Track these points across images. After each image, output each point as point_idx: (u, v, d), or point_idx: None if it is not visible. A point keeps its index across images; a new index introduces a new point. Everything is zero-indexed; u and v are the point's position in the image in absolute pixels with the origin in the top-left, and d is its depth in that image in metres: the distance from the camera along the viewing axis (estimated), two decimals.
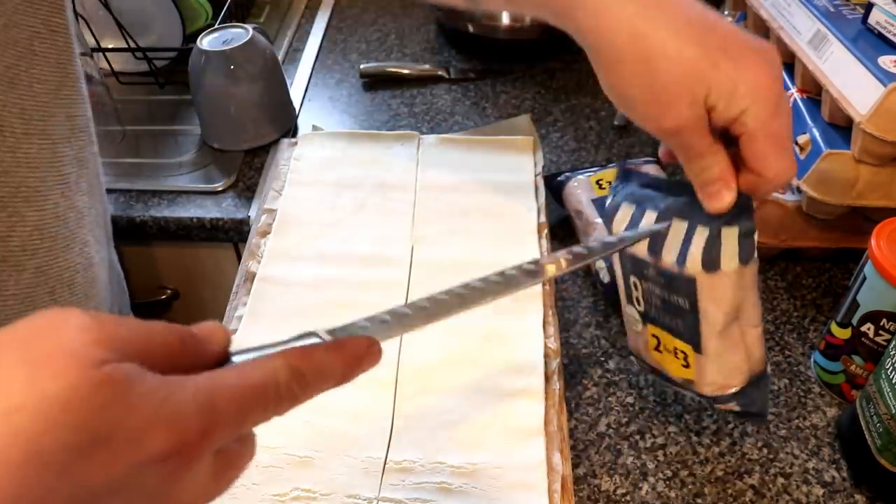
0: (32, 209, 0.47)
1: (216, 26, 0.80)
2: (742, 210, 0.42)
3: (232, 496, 0.47)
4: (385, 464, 0.49)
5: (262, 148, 0.81)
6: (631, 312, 0.50)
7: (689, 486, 0.51)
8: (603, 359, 0.60)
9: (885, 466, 0.48)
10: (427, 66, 0.93)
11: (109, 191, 0.77)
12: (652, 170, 0.69)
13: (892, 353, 0.46)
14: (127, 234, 0.75)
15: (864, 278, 0.50)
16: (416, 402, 0.53)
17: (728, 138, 0.40)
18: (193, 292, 0.86)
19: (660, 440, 0.54)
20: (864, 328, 0.51)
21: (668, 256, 0.44)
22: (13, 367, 0.22)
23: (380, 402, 0.52)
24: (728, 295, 0.44)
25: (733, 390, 0.48)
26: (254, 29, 0.78)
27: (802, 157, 0.59)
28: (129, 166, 0.81)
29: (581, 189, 0.68)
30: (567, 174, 0.70)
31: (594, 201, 0.66)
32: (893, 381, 0.46)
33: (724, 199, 0.41)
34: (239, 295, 0.60)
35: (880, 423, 0.47)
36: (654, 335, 0.49)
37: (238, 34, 0.78)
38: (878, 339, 0.51)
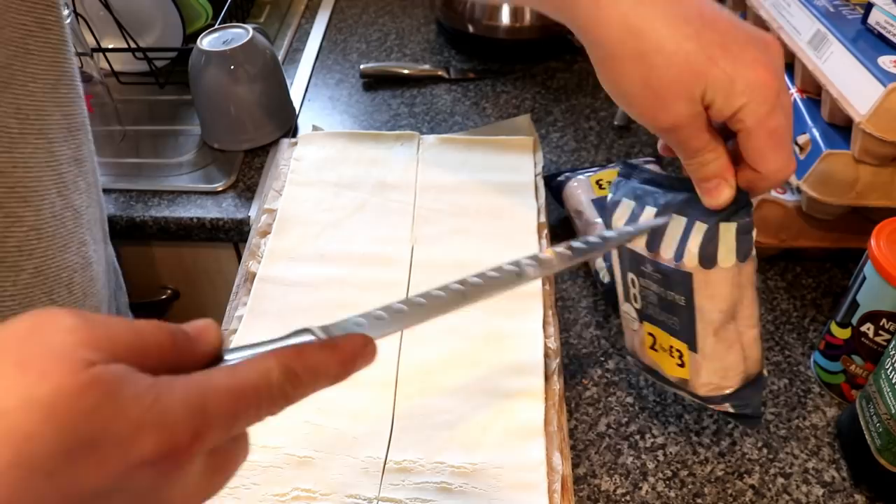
0: (29, 209, 0.47)
1: (216, 26, 0.80)
2: (741, 206, 0.42)
3: (232, 496, 0.47)
4: (385, 464, 0.49)
5: (262, 148, 0.81)
6: (627, 310, 0.50)
7: (689, 486, 0.51)
8: (603, 359, 0.60)
9: (885, 466, 0.48)
10: (427, 66, 0.93)
11: (110, 191, 0.77)
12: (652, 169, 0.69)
13: (891, 353, 0.46)
14: (127, 234, 0.75)
15: (864, 278, 0.50)
16: (417, 402, 0.53)
17: (728, 131, 0.40)
18: (193, 292, 0.86)
19: (660, 440, 0.54)
20: (863, 328, 0.51)
21: (666, 252, 0.44)
22: None
23: (380, 402, 0.52)
24: (724, 292, 0.44)
25: (728, 391, 0.48)
26: (254, 29, 0.78)
27: (802, 157, 0.59)
28: (129, 166, 0.81)
29: (581, 189, 0.68)
30: (567, 174, 0.70)
31: (594, 201, 0.66)
32: (893, 381, 0.46)
33: (722, 194, 0.41)
34: (239, 295, 0.61)
35: (880, 423, 0.47)
36: (649, 333, 0.49)
37: (238, 34, 0.78)
38: (877, 339, 0.51)
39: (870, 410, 0.49)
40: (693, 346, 0.46)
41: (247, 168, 0.79)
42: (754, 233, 0.43)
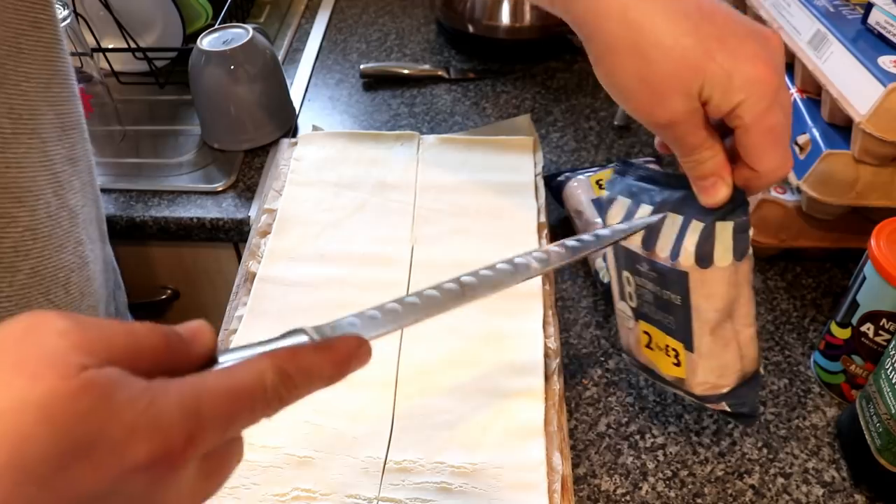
0: (24, 210, 0.47)
1: (216, 26, 0.80)
2: (737, 205, 0.41)
3: (232, 496, 0.47)
4: (385, 464, 0.49)
5: (262, 148, 0.81)
6: (623, 308, 0.50)
7: (689, 486, 0.51)
8: (603, 359, 0.60)
9: (885, 466, 0.48)
10: (427, 66, 0.93)
11: (109, 191, 0.77)
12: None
13: (891, 353, 0.46)
14: (127, 234, 0.75)
15: (864, 278, 0.50)
16: (417, 402, 0.53)
17: (726, 129, 0.39)
18: (193, 292, 0.86)
19: (660, 440, 0.54)
20: (863, 328, 0.51)
21: (662, 250, 0.43)
22: None
23: (380, 402, 0.52)
24: (721, 291, 0.44)
25: (725, 390, 0.48)
26: (254, 29, 0.78)
27: (802, 157, 0.59)
28: (129, 166, 0.81)
29: (581, 189, 0.68)
30: (567, 174, 0.70)
31: (594, 201, 0.66)
32: (893, 381, 0.46)
33: (718, 193, 0.40)
34: (239, 295, 0.61)
35: (880, 423, 0.47)
36: (645, 332, 0.49)
37: (238, 34, 0.78)
38: (877, 339, 0.51)
39: (870, 410, 0.49)
40: (689, 346, 0.46)
41: (247, 168, 0.79)
42: (751, 231, 0.43)
